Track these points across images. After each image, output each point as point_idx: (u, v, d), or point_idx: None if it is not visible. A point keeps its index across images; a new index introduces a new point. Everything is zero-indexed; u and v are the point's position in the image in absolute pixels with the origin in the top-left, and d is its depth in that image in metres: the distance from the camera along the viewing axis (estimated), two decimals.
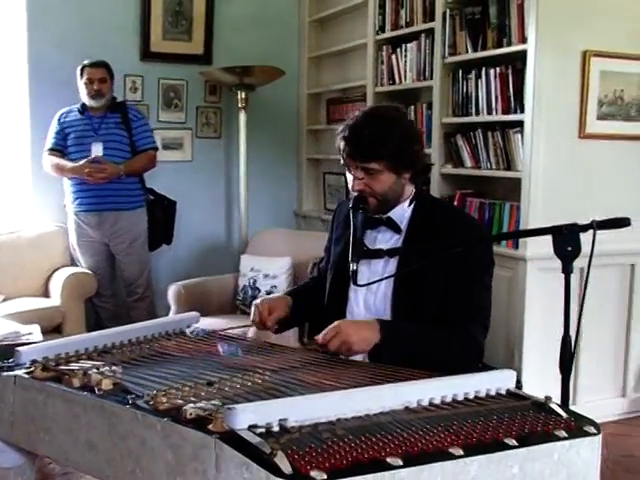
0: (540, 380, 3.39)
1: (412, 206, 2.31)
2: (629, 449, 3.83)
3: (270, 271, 4.59)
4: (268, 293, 4.50)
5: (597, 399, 4.14)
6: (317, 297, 2.46)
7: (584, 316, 3.94)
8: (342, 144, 2.23)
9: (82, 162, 4.68)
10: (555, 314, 3.77)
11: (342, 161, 2.27)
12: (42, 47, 5.16)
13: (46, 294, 4.94)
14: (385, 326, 2.10)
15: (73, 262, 5.06)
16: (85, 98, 4.78)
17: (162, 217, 5.06)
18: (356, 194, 2.25)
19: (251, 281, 4.64)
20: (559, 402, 2.05)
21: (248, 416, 1.40)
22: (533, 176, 3.79)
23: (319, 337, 2.08)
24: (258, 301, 2.37)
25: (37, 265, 5.00)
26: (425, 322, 2.18)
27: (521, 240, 3.84)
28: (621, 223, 2.08)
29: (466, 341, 2.21)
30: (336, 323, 2.09)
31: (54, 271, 4.99)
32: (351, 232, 2.22)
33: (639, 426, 4.12)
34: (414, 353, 2.09)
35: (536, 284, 3.82)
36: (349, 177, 2.27)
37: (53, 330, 4.48)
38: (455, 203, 4.29)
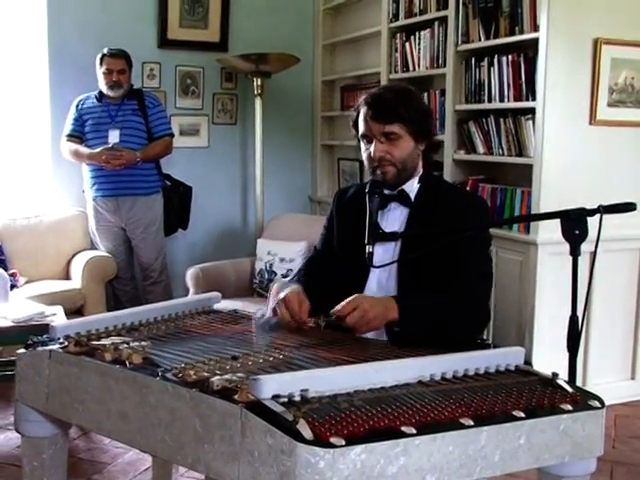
0: (550, 361, 3.46)
1: (420, 184, 2.39)
2: (637, 431, 3.90)
3: (286, 255, 4.68)
4: (284, 276, 4.59)
5: (607, 381, 4.21)
6: (321, 284, 2.46)
7: (595, 300, 4.05)
8: (364, 110, 2.30)
9: (99, 149, 4.78)
10: (565, 298, 3.84)
11: (362, 129, 2.31)
12: (62, 34, 5.27)
13: (67, 277, 5.06)
14: (401, 302, 2.15)
15: (93, 246, 5.18)
16: (103, 87, 4.88)
17: (178, 203, 5.16)
18: (372, 176, 2.34)
19: (268, 265, 4.73)
20: (567, 379, 2.14)
21: (272, 386, 1.49)
22: (545, 162, 3.86)
23: (337, 308, 2.11)
24: (281, 295, 2.23)
25: (58, 249, 5.12)
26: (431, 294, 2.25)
27: (532, 225, 3.92)
28: (627, 208, 2.14)
29: (476, 304, 2.27)
30: (355, 296, 2.13)
31: (75, 255, 5.11)
32: (367, 215, 2.30)
33: None
34: (430, 324, 2.14)
35: (547, 268, 3.89)
36: (367, 148, 2.32)
37: (75, 312, 4.59)
38: (467, 189, 4.36)
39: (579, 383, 4.06)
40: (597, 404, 1.70)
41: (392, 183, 2.36)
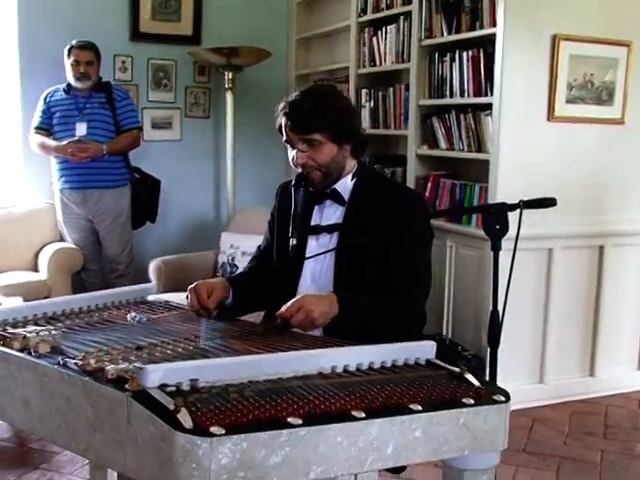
0: (509, 357, 3.44)
1: (355, 180, 2.38)
2: (591, 427, 3.90)
3: (248, 248, 4.67)
4: None
5: (566, 378, 4.25)
6: (261, 280, 2.49)
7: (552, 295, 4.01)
8: (283, 120, 2.29)
9: (65, 142, 4.78)
10: (521, 293, 3.86)
11: (284, 138, 2.33)
12: (32, 26, 5.24)
13: (35, 269, 5.05)
14: (342, 299, 2.14)
15: (62, 238, 5.17)
16: (71, 79, 4.87)
17: (146, 195, 5.15)
18: (299, 171, 2.33)
19: (230, 258, 4.74)
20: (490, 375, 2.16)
21: (157, 375, 1.50)
22: (501, 158, 3.86)
23: (281, 311, 2.09)
24: (193, 285, 2.31)
25: (27, 240, 5.11)
26: (366, 291, 2.25)
27: None
28: (547, 203, 2.16)
29: (412, 308, 2.29)
30: (299, 297, 2.12)
31: (43, 246, 5.10)
32: (292, 208, 2.30)
33: (555, 411, 4.15)
34: (368, 323, 2.17)
35: (502, 264, 3.86)
36: (291, 153, 2.32)
37: None
38: (429, 184, 4.37)
39: (538, 380, 4.10)
40: (502, 398, 1.70)
41: (320, 187, 2.35)
